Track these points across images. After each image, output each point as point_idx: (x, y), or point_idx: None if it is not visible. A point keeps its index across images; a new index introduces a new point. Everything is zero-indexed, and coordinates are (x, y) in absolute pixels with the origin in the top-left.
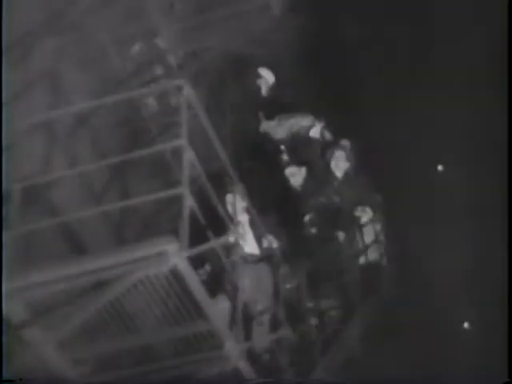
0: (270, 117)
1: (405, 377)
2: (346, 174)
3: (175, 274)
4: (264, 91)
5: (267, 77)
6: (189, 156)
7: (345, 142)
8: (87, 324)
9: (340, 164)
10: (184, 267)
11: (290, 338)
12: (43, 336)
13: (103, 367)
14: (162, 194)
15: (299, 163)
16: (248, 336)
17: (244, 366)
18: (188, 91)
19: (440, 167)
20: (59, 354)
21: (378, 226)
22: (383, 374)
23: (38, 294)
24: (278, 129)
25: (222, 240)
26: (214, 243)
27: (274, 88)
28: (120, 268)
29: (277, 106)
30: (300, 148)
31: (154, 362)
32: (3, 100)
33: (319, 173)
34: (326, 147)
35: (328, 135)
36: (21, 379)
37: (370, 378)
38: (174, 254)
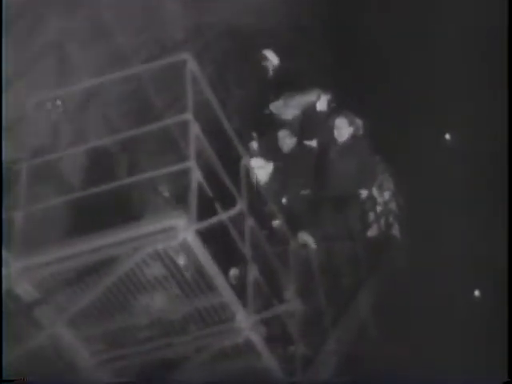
0: (276, 95)
1: (405, 376)
2: (350, 141)
3: (185, 247)
4: (269, 72)
5: (271, 58)
6: (195, 130)
7: (346, 111)
8: (98, 301)
9: (343, 132)
10: (193, 241)
11: (301, 309)
12: (54, 315)
13: (115, 344)
14: (170, 169)
15: (309, 138)
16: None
17: (256, 338)
18: (192, 65)
19: (448, 136)
20: (71, 332)
21: (387, 195)
22: (394, 346)
23: (48, 272)
24: (286, 109)
25: (230, 212)
26: (223, 216)
27: (278, 68)
28: (129, 244)
29: (282, 82)
30: (309, 124)
31: (166, 337)
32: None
33: (324, 144)
34: (328, 117)
35: (334, 106)
36: (21, 379)
37: (371, 377)
38: (183, 228)
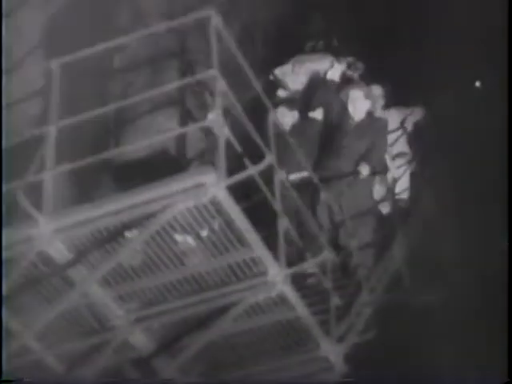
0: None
1: (405, 375)
2: (368, 114)
3: (215, 204)
4: None
5: None
6: (221, 86)
7: (360, 82)
8: (131, 260)
9: (358, 105)
10: (223, 197)
11: (333, 261)
12: (87, 274)
13: (149, 302)
14: (198, 125)
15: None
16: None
17: (289, 292)
18: (217, 21)
19: (478, 83)
20: (104, 291)
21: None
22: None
23: (80, 232)
24: (294, 77)
25: (259, 167)
26: (252, 171)
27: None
28: (159, 202)
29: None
30: (315, 93)
31: (199, 293)
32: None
33: (336, 118)
34: (340, 88)
35: (351, 74)
36: (21, 379)
37: (371, 376)
38: (213, 185)
